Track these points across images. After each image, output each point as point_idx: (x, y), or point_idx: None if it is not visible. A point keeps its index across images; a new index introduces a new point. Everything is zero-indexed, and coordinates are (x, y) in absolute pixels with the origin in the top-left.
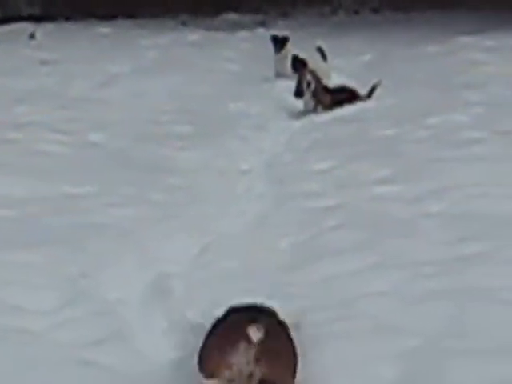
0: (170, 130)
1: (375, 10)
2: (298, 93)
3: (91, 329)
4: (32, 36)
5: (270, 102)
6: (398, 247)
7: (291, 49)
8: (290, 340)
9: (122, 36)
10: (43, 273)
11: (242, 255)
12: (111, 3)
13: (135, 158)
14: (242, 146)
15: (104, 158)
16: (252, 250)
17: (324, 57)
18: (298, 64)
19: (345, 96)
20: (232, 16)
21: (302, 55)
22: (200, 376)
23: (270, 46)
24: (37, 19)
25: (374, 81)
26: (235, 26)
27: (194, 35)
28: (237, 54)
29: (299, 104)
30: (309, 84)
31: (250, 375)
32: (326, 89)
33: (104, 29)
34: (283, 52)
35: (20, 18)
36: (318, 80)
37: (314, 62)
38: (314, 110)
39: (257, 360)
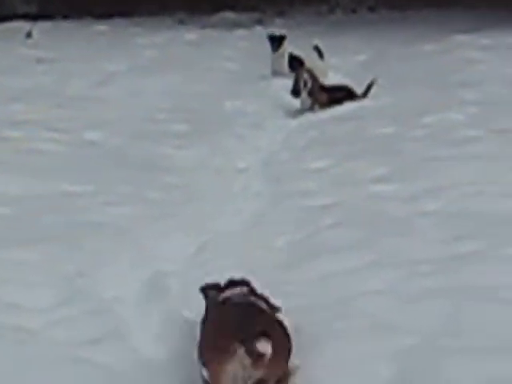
0: (167, 129)
1: (371, 9)
2: (295, 91)
3: (87, 327)
4: (29, 34)
5: (267, 100)
6: (395, 245)
7: (288, 47)
8: (281, 326)
9: (119, 34)
10: (40, 271)
11: (239, 254)
12: (108, 1)
13: (132, 156)
14: (239, 144)
15: (101, 156)
16: (249, 249)
17: (321, 55)
18: (295, 62)
19: (341, 94)
20: (229, 14)
21: (298, 54)
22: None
23: (267, 45)
24: (33, 17)
25: (370, 79)
26: (232, 25)
27: (191, 34)
28: (234, 52)
29: (296, 102)
30: (305, 83)
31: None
32: (322, 87)
33: (101, 27)
34: (280, 50)
35: (16, 17)
36: (314, 79)
37: (310, 60)
38: (311, 109)
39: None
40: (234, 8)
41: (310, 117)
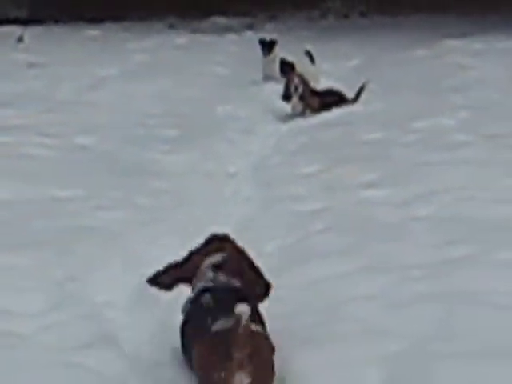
0: (158, 133)
1: (363, 14)
2: (286, 96)
3: (79, 332)
4: (20, 39)
5: (258, 105)
6: (386, 250)
7: (279, 52)
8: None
9: (110, 39)
10: (30, 275)
11: None
12: (99, 6)
13: (123, 161)
14: (230, 149)
15: (92, 161)
16: None
17: (312, 60)
18: (286, 67)
19: (333, 99)
20: (220, 19)
21: (290, 59)
22: None
23: (258, 50)
24: (24, 22)
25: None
26: (223, 29)
27: (181, 38)
28: (225, 57)
29: (287, 107)
30: (296, 87)
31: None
32: (313, 92)
33: (92, 32)
34: (271, 55)
35: (7, 21)
36: (305, 83)
37: (302, 65)
38: (302, 114)
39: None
40: (225, 13)
41: (300, 122)
